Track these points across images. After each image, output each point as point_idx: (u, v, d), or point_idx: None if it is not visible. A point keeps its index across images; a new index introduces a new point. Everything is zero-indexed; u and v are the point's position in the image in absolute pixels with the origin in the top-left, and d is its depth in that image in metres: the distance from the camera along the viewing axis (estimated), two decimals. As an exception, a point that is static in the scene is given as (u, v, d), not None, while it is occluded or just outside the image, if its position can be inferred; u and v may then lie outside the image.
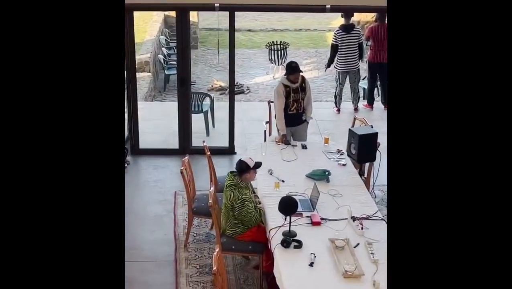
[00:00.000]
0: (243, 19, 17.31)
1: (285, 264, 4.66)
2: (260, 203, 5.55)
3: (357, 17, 14.46)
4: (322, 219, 5.23)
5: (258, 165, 5.48)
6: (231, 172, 5.48)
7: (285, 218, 5.00)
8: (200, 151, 7.58)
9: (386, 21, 9.62)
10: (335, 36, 9.66)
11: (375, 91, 10.30)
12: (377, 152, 6.24)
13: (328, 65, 9.98)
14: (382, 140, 5.35)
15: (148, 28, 14.20)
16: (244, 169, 5.38)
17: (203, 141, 6.82)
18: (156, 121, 9.49)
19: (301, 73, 6.98)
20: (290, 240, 4.82)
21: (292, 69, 6.90)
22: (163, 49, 13.45)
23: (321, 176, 5.97)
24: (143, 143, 8.34)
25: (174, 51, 10.43)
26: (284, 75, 7.04)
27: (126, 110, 8.06)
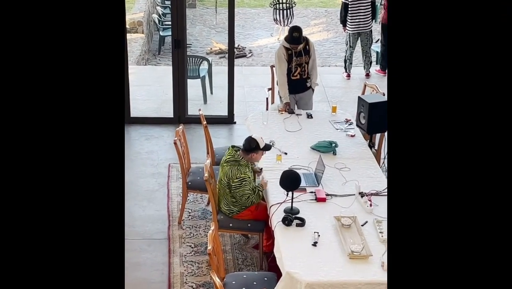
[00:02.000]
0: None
1: (286, 243, 4.68)
2: (262, 189, 5.42)
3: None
4: (327, 195, 5.24)
5: (268, 147, 5.45)
6: (233, 146, 5.44)
7: (287, 194, 5.02)
8: (196, 120, 7.59)
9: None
10: (345, -7, 9.57)
11: (389, 55, 10.22)
12: (389, 122, 6.21)
13: (344, 24, 9.83)
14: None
15: (141, -16, 14.08)
16: (253, 148, 5.31)
17: (199, 109, 6.81)
18: (148, 87, 9.47)
19: (304, 37, 6.86)
20: (292, 218, 4.84)
21: (292, 39, 6.71)
22: (158, 7, 13.34)
23: (327, 148, 5.97)
24: (134, 111, 8.33)
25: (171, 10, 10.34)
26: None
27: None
